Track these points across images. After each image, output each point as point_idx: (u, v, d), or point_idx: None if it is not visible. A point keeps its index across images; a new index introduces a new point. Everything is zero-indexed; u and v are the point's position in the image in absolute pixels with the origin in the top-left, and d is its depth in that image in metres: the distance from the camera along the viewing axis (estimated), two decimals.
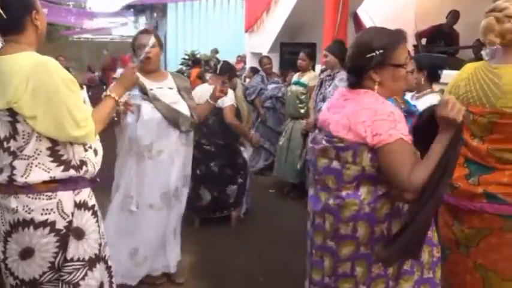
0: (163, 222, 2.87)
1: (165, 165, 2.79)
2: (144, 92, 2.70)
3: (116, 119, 2.27)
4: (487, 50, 2.01)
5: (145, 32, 2.87)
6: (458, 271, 2.07)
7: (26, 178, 1.73)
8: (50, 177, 1.76)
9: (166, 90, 2.81)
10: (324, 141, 1.76)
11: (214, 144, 4.13)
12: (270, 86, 6.12)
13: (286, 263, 3.49)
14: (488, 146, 1.94)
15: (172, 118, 2.75)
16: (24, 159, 1.73)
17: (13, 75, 1.67)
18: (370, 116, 1.65)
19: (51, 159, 1.76)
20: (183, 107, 2.82)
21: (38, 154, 1.75)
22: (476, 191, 1.96)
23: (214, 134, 4.10)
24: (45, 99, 1.68)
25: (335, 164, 1.72)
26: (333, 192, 1.75)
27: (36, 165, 1.74)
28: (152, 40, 2.57)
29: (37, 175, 1.74)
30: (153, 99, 2.71)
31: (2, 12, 1.70)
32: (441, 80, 3.21)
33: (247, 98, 5.94)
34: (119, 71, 7.47)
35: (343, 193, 1.72)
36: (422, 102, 3.06)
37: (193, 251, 3.57)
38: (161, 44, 2.80)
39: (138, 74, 2.32)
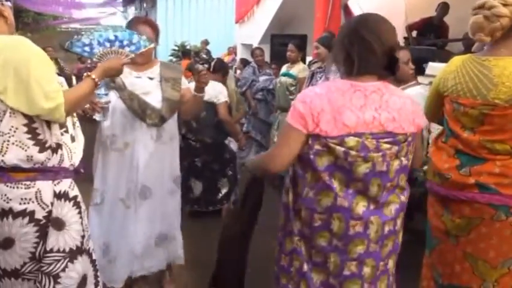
0: (131, 221, 2.61)
1: (130, 159, 2.57)
2: (112, 80, 2.50)
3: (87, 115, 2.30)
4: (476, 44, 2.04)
5: (143, 22, 2.62)
6: (447, 260, 2.10)
7: (2, 156, 1.71)
8: (27, 156, 1.74)
9: (143, 80, 2.61)
10: (386, 144, 1.59)
11: (201, 141, 4.12)
12: (262, 78, 6.11)
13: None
14: (480, 138, 1.96)
15: (136, 109, 2.53)
16: (0, 136, 1.72)
17: None
18: (412, 105, 1.67)
19: (29, 136, 1.74)
20: (154, 99, 2.57)
21: (14, 131, 1.73)
22: (468, 182, 1.98)
23: (204, 130, 4.08)
24: (14, 72, 1.66)
25: (403, 162, 1.66)
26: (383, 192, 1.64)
27: (13, 143, 1.73)
28: (150, 45, 2.31)
29: (14, 153, 1.72)
30: (118, 89, 2.53)
31: None
32: (428, 72, 3.25)
33: (239, 89, 5.92)
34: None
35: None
36: (407, 93, 3.10)
37: (184, 243, 3.57)
38: (158, 34, 2.69)
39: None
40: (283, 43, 6.31)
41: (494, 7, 1.88)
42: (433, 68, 3.41)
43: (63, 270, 1.82)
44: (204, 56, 11.42)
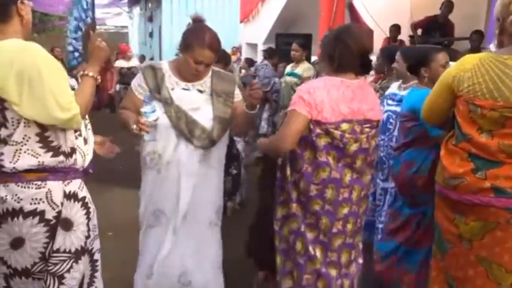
0: (167, 247, 2.31)
1: (171, 182, 2.28)
2: (157, 90, 2.24)
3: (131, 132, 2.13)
4: (495, 42, 1.94)
5: (208, 47, 2.19)
6: (460, 264, 2.04)
7: (14, 164, 1.72)
8: (39, 162, 1.74)
9: (192, 93, 2.29)
10: (367, 128, 2.04)
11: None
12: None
13: None
14: (499, 141, 1.88)
15: (183, 129, 2.23)
16: (13, 145, 1.72)
17: None
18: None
19: (40, 145, 1.75)
20: (204, 116, 2.26)
21: (27, 140, 1.73)
22: (483, 185, 1.90)
23: None
24: (29, 83, 1.66)
25: (376, 141, 2.18)
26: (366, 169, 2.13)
27: (25, 152, 1.73)
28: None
29: (25, 160, 1.73)
30: (165, 103, 2.23)
31: None
32: None
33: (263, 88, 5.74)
34: (118, 62, 7.37)
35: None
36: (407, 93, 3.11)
37: None
38: (221, 57, 2.52)
39: (169, 70, 2.26)
40: (288, 42, 6.29)
41: None
42: None
43: (68, 270, 1.83)
44: None
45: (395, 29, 6.85)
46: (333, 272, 2.11)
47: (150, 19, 18.11)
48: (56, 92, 1.70)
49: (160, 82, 2.25)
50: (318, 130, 1.96)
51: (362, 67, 2.05)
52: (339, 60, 2.00)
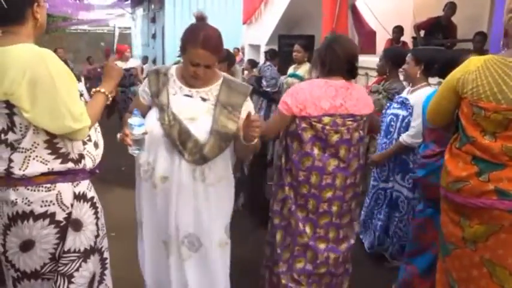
0: (174, 272, 2.20)
1: (166, 198, 2.09)
2: (157, 95, 2.09)
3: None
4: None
5: (202, 46, 1.97)
6: (463, 266, 2.03)
7: (23, 171, 1.72)
8: (48, 169, 1.75)
9: (195, 100, 2.08)
10: (349, 122, 2.36)
11: None
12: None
13: None
14: (502, 143, 1.87)
15: (175, 138, 2.01)
16: (22, 152, 1.72)
17: (10, 67, 1.65)
18: (366, 94, 2.58)
19: (49, 151, 1.75)
20: (201, 128, 2.03)
21: (36, 147, 1.73)
22: (487, 188, 1.90)
23: None
24: (42, 91, 1.66)
25: (361, 134, 2.44)
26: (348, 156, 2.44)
27: (33, 158, 1.73)
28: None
29: (35, 167, 1.73)
30: (160, 109, 2.06)
31: (2, 1, 1.68)
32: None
33: (270, 90, 5.66)
34: (111, 58, 7.25)
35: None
36: (414, 96, 3.09)
37: None
38: (224, 57, 2.23)
39: (174, 74, 2.12)
40: (290, 44, 6.28)
41: None
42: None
43: (77, 269, 1.84)
44: None
45: (398, 30, 6.85)
46: (321, 245, 2.48)
47: (153, 20, 18.14)
48: (69, 102, 1.71)
49: (162, 87, 2.10)
50: (303, 124, 2.34)
51: (348, 72, 2.40)
52: (329, 65, 2.39)
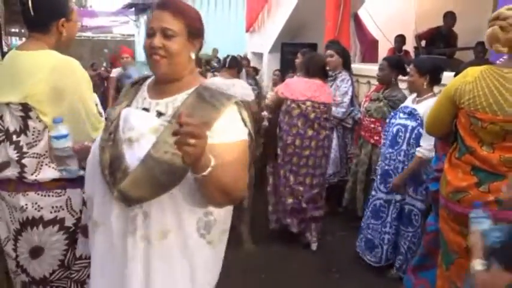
0: None
1: (103, 258, 1.48)
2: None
3: None
4: (504, 57, 1.91)
5: (161, 7, 1.44)
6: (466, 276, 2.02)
7: (36, 176, 1.73)
8: (59, 175, 1.77)
9: (149, 114, 1.44)
10: (321, 106, 3.74)
11: None
12: None
13: (287, 257, 3.62)
14: (500, 154, 1.87)
15: (104, 166, 1.40)
16: (35, 157, 1.73)
17: (33, 72, 1.68)
18: (329, 89, 4.04)
19: None
20: (136, 153, 1.35)
21: (48, 153, 1.75)
22: (487, 199, 1.89)
23: None
24: (65, 98, 1.68)
25: (327, 113, 3.85)
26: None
27: (46, 164, 1.75)
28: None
29: (46, 173, 1.75)
30: (106, 125, 1.52)
31: (30, 8, 1.73)
32: (443, 82, 3.23)
33: None
34: (115, 70, 7.02)
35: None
36: (422, 106, 3.09)
37: None
38: (195, 32, 1.47)
39: (147, 84, 1.54)
40: (294, 52, 6.32)
41: (510, 17, 1.80)
42: (448, 77, 3.40)
43: (89, 276, 1.85)
44: (215, 64, 11.49)
45: (401, 39, 6.88)
46: (301, 188, 3.75)
47: None
48: (89, 110, 1.74)
49: (122, 97, 1.57)
50: (292, 105, 3.70)
51: (323, 75, 3.88)
52: (312, 71, 3.79)
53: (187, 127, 1.13)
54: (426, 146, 2.96)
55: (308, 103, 3.64)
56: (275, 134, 3.82)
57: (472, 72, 1.98)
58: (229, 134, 1.38)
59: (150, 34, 1.42)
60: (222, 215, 1.47)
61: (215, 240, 1.46)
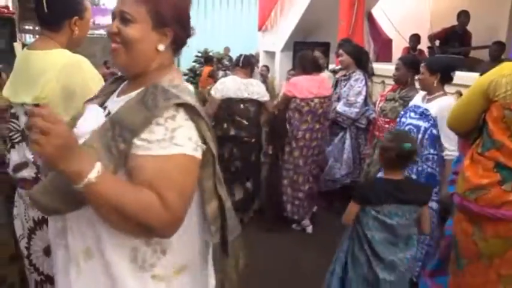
0: None
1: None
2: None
3: None
4: None
5: None
6: (476, 283, 1.98)
7: None
8: None
9: (100, 114, 1.26)
10: (325, 99, 4.11)
11: (255, 135, 4.22)
12: None
13: (301, 261, 3.58)
14: None
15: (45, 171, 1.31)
16: None
17: (44, 71, 1.67)
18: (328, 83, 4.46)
19: None
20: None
21: None
22: (509, 198, 1.85)
23: (252, 127, 4.17)
24: (77, 97, 1.67)
25: (330, 106, 4.32)
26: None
27: None
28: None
29: None
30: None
31: (44, 5, 1.72)
32: (454, 81, 3.19)
33: None
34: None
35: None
36: (434, 106, 3.04)
37: None
38: (163, 19, 1.22)
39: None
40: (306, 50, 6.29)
41: None
42: (460, 77, 3.34)
43: None
44: (227, 62, 11.48)
45: (416, 38, 6.82)
46: (307, 167, 4.14)
47: None
48: None
49: (100, 91, 1.44)
50: (302, 103, 4.00)
51: (318, 68, 4.24)
52: (308, 67, 4.13)
53: (33, 118, 0.94)
54: (451, 147, 2.92)
55: (316, 100, 3.99)
56: (282, 129, 4.10)
57: (509, 66, 1.96)
58: (158, 145, 1.09)
59: (112, 19, 1.23)
60: (176, 249, 1.20)
61: (169, 276, 1.20)
